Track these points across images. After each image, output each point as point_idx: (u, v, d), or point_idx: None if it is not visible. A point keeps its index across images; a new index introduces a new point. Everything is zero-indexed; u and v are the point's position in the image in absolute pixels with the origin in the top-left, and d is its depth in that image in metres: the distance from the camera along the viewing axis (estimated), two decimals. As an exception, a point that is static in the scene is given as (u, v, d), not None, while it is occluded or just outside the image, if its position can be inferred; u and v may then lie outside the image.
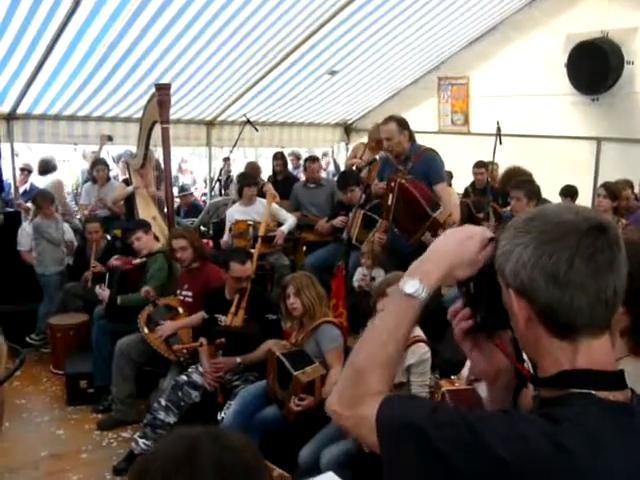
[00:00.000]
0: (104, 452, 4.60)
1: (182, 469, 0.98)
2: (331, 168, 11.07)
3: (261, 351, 4.30)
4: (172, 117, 6.15)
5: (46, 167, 8.28)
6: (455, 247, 1.22)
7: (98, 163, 7.61)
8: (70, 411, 5.23)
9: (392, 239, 5.11)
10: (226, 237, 6.45)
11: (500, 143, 7.14)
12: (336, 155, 11.21)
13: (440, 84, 9.47)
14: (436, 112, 9.58)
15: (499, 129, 7.16)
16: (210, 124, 9.41)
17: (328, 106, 9.91)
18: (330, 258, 6.10)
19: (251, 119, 8.61)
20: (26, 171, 8.28)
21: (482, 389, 2.65)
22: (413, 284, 1.21)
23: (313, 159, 7.58)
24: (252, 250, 5.54)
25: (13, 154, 8.00)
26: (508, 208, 5.96)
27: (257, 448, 1.09)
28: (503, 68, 8.54)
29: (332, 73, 8.56)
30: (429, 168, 5.03)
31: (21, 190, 8.13)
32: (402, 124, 5.08)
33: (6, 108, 7.52)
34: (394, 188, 4.89)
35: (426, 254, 1.26)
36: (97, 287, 5.42)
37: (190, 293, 5.02)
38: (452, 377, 3.51)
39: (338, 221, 6.43)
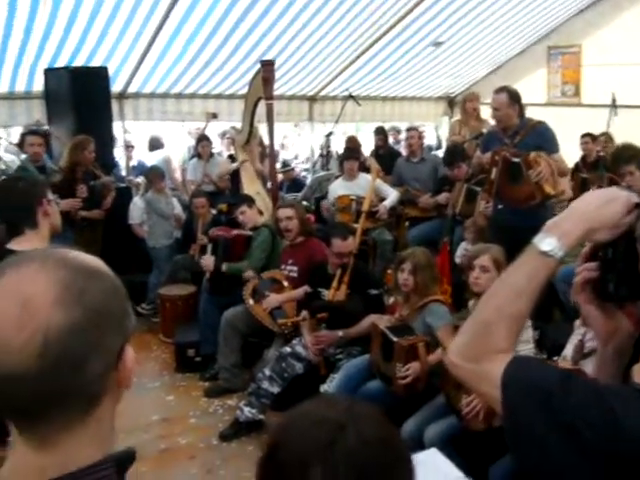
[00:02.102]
0: (211, 418, 4.75)
1: (319, 459, 0.96)
2: (432, 142, 10.88)
3: (363, 325, 4.30)
4: (275, 93, 6.20)
5: (155, 144, 8.58)
6: (597, 208, 1.15)
7: (203, 139, 7.80)
8: (179, 378, 5.44)
9: (495, 214, 4.98)
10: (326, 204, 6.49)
11: (615, 115, 6.77)
12: (439, 130, 11.00)
13: (550, 53, 9.08)
14: (545, 83, 9.20)
15: (614, 100, 6.79)
16: (312, 99, 9.44)
17: (431, 79, 9.72)
18: (433, 234, 6.02)
19: (353, 93, 8.56)
20: (130, 147, 8.62)
21: (589, 368, 2.55)
22: (550, 242, 1.15)
23: (412, 128, 7.50)
24: (355, 225, 5.53)
25: (124, 132, 8.33)
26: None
27: (401, 440, 1.06)
28: (617, 36, 8.06)
29: (437, 45, 8.37)
30: (543, 139, 4.83)
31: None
32: (513, 97, 4.90)
33: (118, 88, 7.81)
34: (498, 162, 4.75)
35: (565, 213, 1.19)
36: (203, 256, 5.58)
37: (294, 268, 5.07)
38: (554, 358, 3.40)
39: (442, 197, 6.32)
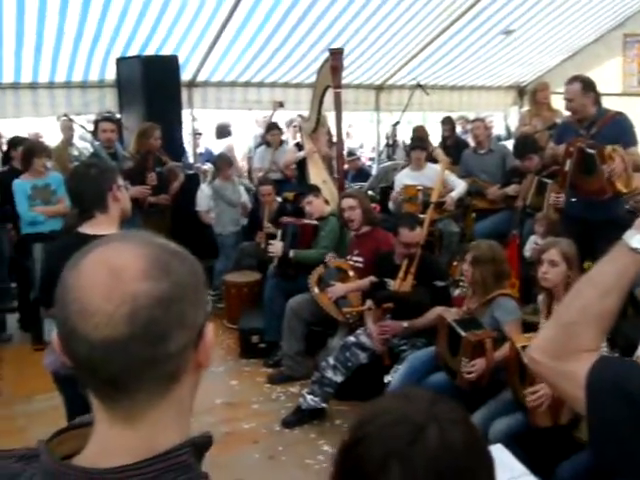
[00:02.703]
0: (273, 405, 4.80)
1: (399, 458, 0.95)
2: (500, 132, 10.65)
3: (428, 317, 4.26)
4: (342, 82, 6.18)
5: (222, 132, 8.68)
6: None
7: (273, 127, 7.84)
8: (243, 363, 5.52)
9: (568, 207, 4.84)
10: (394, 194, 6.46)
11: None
12: (508, 120, 10.76)
13: (626, 42, 8.76)
14: (620, 72, 8.88)
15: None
16: (379, 88, 9.36)
17: (501, 68, 9.50)
18: (501, 226, 5.90)
19: (421, 82, 8.45)
20: (197, 135, 8.75)
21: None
22: None
23: (477, 119, 7.37)
24: (421, 216, 5.47)
25: (192, 120, 8.46)
26: None
27: (485, 445, 1.04)
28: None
29: (507, 33, 8.17)
30: (621, 131, 4.65)
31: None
32: (587, 86, 4.73)
33: (187, 76, 7.93)
34: (573, 153, 4.61)
35: None
36: (271, 241, 5.62)
37: (360, 259, 5.06)
38: (627, 359, 3.28)
39: (512, 189, 6.18)
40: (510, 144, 6.98)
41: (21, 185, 5.44)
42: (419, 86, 8.36)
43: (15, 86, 7.32)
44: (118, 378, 0.80)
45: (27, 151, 5.61)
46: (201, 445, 0.88)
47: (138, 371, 0.80)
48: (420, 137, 7.47)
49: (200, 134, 9.04)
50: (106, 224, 2.73)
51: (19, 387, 5.06)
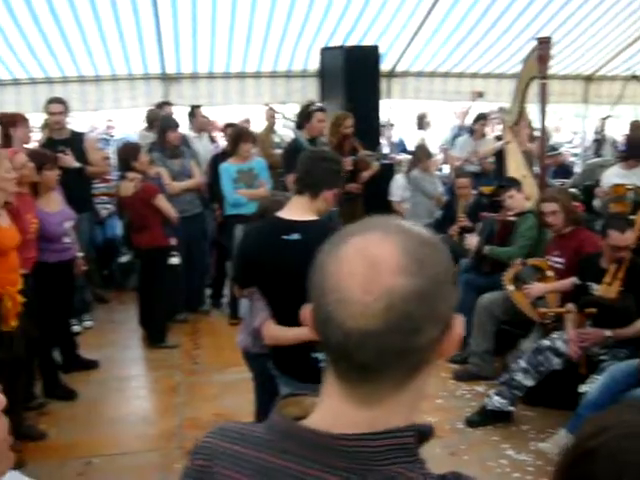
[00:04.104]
0: (458, 401, 4.71)
1: (634, 475, 0.89)
2: None
3: (636, 327, 3.95)
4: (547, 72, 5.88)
5: (422, 123, 8.64)
6: None
7: (481, 118, 7.68)
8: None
9: None
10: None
11: None
12: None
13: None
14: None
15: None
16: (588, 79, 8.81)
17: None
18: None
19: (636, 74, 7.82)
20: (392, 125, 8.77)
21: None
22: None
23: None
24: (631, 217, 5.06)
25: (388, 110, 8.50)
26: None
27: None
28: None
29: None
30: None
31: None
32: None
33: (387, 67, 7.98)
34: None
35: None
36: (467, 236, 5.51)
37: (561, 259, 4.79)
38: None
39: None
40: None
41: (227, 168, 5.78)
42: (634, 77, 7.74)
43: (226, 76, 7.82)
44: (368, 366, 0.82)
45: (234, 136, 5.93)
46: (423, 433, 0.89)
47: (388, 361, 0.82)
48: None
49: (392, 125, 9.07)
50: (304, 211, 2.76)
51: (214, 358, 5.40)
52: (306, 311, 0.87)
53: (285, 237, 2.65)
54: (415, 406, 0.90)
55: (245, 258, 2.89)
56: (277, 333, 2.74)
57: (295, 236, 2.65)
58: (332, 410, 0.87)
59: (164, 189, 5.62)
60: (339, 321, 0.80)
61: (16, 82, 7.32)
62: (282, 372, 2.80)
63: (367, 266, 0.80)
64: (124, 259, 6.82)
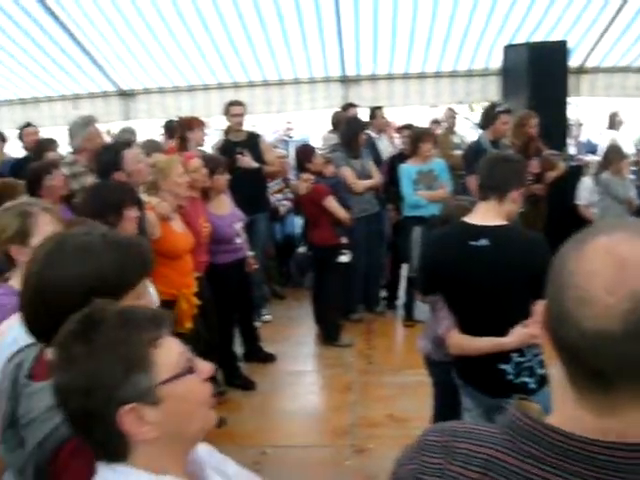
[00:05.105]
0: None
1: None
2: None
3: None
4: None
5: (612, 122, 8.04)
6: None
7: None
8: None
9: None
10: None
11: None
12: None
13: None
14: None
15: None
16: None
17: None
18: None
19: None
20: (580, 125, 8.26)
21: None
22: None
23: None
24: None
25: (575, 108, 8.01)
26: None
27: None
28: None
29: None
30: None
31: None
32: None
33: (576, 62, 7.55)
34: None
35: None
36: None
37: None
38: None
39: None
40: None
41: (407, 169, 5.72)
42: None
43: (406, 76, 7.79)
44: (602, 372, 0.77)
45: (414, 137, 5.87)
46: None
47: (625, 370, 0.76)
48: None
49: (581, 124, 8.56)
50: (493, 215, 2.62)
51: (388, 359, 5.39)
52: (539, 307, 0.84)
53: (472, 243, 2.55)
54: None
55: (429, 264, 2.80)
56: (463, 342, 2.63)
57: (483, 242, 2.53)
58: (570, 416, 0.83)
59: (340, 189, 5.68)
60: (575, 320, 0.77)
61: (206, 87, 7.80)
62: (466, 382, 2.70)
63: (613, 266, 0.76)
64: (301, 249, 6.98)
